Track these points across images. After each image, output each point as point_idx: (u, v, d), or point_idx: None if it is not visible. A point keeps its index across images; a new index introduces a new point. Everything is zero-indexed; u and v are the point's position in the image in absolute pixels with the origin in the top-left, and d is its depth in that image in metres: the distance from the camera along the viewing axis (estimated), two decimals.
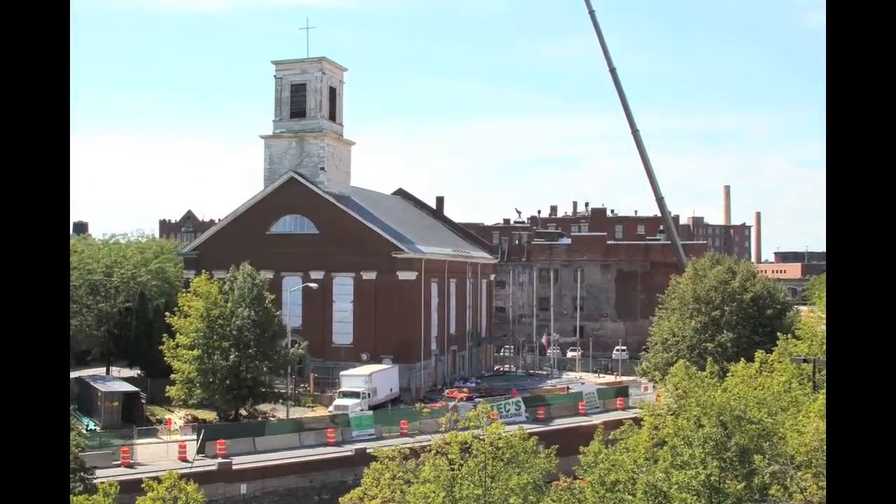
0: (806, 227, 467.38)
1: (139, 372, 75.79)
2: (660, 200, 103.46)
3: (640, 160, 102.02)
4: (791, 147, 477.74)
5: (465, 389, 77.31)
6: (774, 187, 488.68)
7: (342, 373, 68.97)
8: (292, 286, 73.93)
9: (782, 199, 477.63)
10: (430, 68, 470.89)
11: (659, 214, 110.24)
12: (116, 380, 69.12)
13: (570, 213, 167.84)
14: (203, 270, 69.25)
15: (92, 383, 65.08)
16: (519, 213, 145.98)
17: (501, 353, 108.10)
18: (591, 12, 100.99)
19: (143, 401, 63.12)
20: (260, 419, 62.76)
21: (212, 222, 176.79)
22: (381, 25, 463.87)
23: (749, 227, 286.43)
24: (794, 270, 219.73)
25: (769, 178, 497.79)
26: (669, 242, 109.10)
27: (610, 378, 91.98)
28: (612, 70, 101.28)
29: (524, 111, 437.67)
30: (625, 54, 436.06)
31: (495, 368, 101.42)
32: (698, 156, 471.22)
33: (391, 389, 71.51)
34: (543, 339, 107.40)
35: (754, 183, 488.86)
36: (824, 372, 35.66)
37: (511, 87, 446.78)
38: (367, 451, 44.22)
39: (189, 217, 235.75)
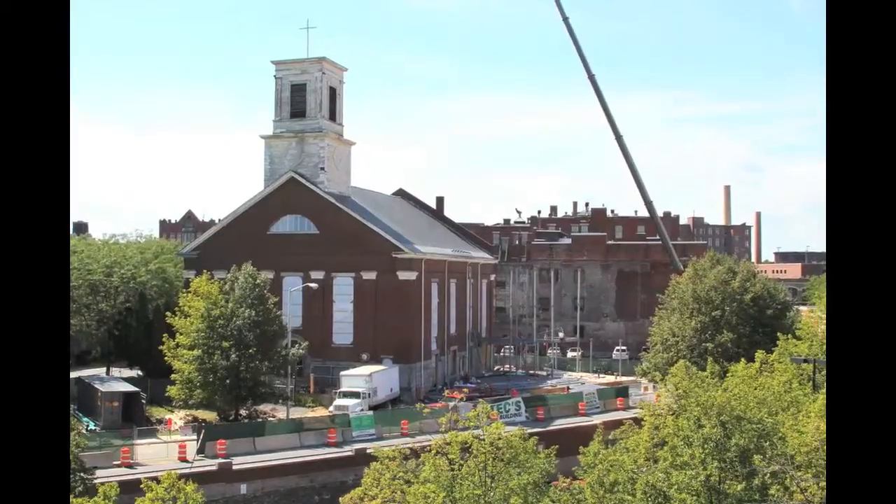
0: (806, 226, 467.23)
1: (139, 372, 75.79)
2: (649, 204, 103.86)
3: (626, 165, 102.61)
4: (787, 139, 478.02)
5: (464, 389, 77.28)
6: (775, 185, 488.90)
7: (342, 373, 68.95)
8: (292, 286, 73.90)
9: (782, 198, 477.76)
10: (430, 56, 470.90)
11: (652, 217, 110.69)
12: (116, 380, 69.09)
13: (570, 213, 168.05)
14: (203, 270, 69.23)
15: (92, 383, 65.06)
16: (519, 213, 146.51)
17: (501, 353, 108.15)
18: (566, 20, 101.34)
19: (144, 401, 63.11)
20: (260, 419, 62.77)
21: (212, 222, 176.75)
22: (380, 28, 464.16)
23: (749, 228, 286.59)
24: (794, 270, 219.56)
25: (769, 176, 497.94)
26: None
27: (610, 378, 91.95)
28: (592, 77, 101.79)
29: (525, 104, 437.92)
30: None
31: (495, 368, 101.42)
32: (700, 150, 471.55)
33: (391, 389, 71.49)
34: (545, 342, 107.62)
35: (755, 181, 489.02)
36: (824, 372, 35.68)
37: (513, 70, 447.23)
38: (368, 451, 44.26)
39: (189, 217, 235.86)
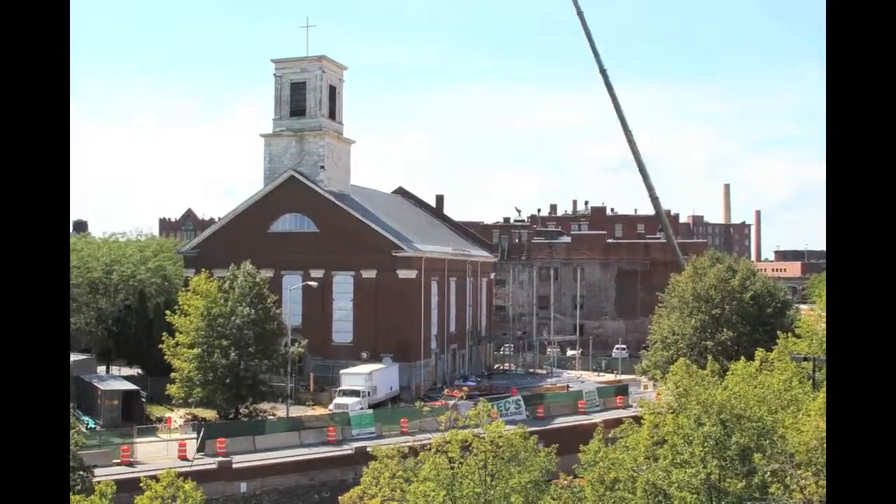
0: (806, 226, 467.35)
1: (139, 370, 75.76)
2: (654, 200, 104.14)
3: (634, 161, 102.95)
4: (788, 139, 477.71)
5: (464, 388, 77.30)
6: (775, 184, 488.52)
7: (342, 371, 68.96)
8: (292, 284, 73.86)
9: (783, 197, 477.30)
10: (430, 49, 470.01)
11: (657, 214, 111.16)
12: (116, 378, 69.05)
13: (569, 211, 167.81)
14: (203, 269, 69.21)
15: (92, 382, 65.01)
16: (519, 211, 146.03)
17: (501, 352, 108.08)
18: (580, 13, 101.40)
19: (143, 399, 63.10)
20: (260, 418, 62.76)
21: (212, 221, 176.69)
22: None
23: (749, 226, 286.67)
24: (794, 269, 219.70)
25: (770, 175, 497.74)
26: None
27: (610, 376, 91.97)
28: (604, 71, 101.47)
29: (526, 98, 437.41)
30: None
31: (495, 367, 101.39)
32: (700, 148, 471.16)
33: (391, 388, 71.50)
34: (545, 340, 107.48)
35: (754, 180, 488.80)
36: (824, 370, 35.68)
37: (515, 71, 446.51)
38: (367, 449, 44.19)
39: (189, 215, 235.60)
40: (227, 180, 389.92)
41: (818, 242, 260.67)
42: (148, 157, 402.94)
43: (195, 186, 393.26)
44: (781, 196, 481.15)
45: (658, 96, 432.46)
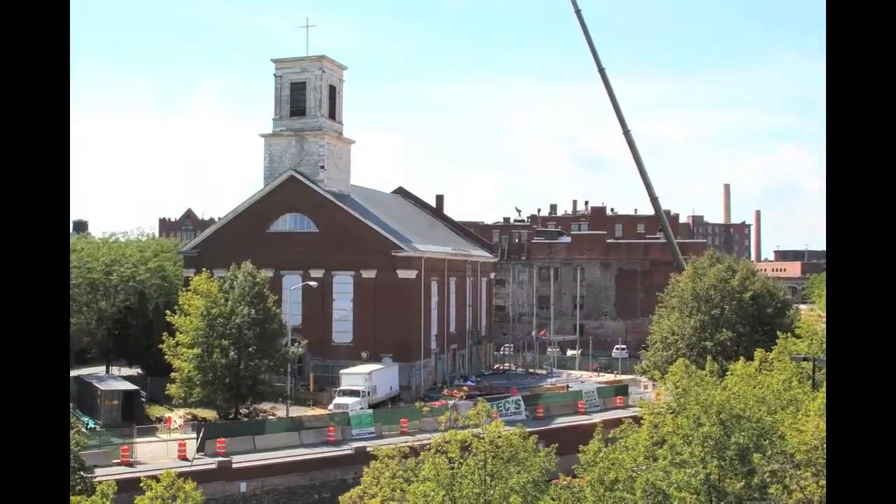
0: (806, 226, 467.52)
1: (139, 370, 75.79)
2: (654, 200, 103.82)
3: (633, 161, 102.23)
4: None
5: (464, 388, 77.34)
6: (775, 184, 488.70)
7: (342, 371, 68.97)
8: (292, 284, 73.90)
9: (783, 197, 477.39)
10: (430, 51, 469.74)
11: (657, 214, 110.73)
12: (116, 378, 69.08)
13: (569, 211, 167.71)
14: (203, 269, 69.27)
15: (92, 382, 65.05)
16: (519, 211, 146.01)
17: (501, 352, 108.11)
18: (578, 11, 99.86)
19: (143, 399, 63.11)
20: (260, 418, 62.81)
21: (212, 221, 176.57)
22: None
23: (749, 226, 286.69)
24: (793, 269, 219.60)
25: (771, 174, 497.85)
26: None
27: (610, 377, 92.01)
28: (602, 70, 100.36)
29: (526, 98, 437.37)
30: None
31: (495, 367, 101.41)
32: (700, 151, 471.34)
33: (391, 388, 71.52)
34: (541, 333, 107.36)
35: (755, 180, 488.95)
36: (824, 370, 35.69)
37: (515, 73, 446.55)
38: (367, 449, 44.25)
39: (189, 215, 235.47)
40: (227, 180, 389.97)
41: (818, 242, 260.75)
42: (147, 157, 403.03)
43: (195, 186, 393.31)
44: (781, 195, 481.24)
45: (654, 91, 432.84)
